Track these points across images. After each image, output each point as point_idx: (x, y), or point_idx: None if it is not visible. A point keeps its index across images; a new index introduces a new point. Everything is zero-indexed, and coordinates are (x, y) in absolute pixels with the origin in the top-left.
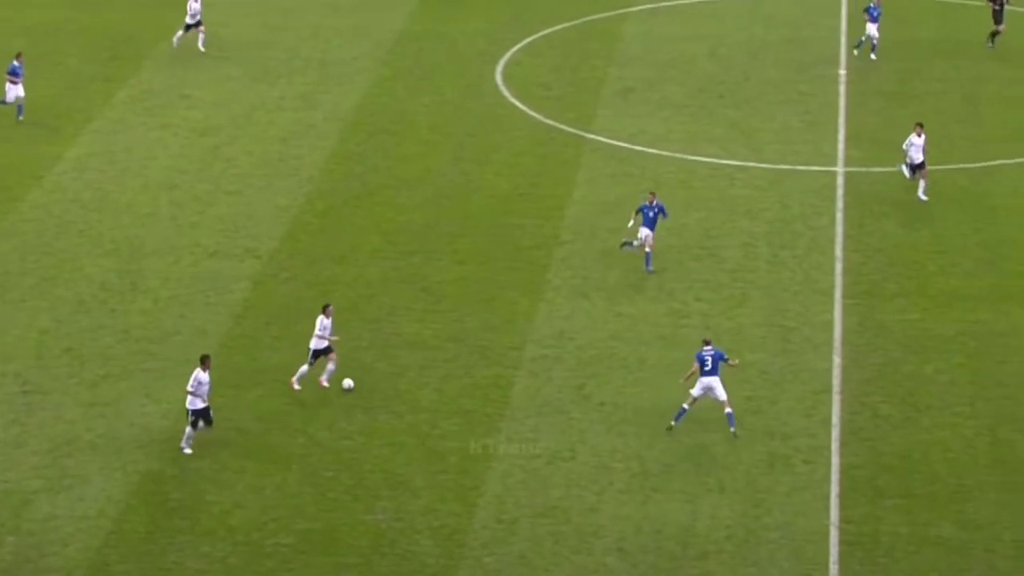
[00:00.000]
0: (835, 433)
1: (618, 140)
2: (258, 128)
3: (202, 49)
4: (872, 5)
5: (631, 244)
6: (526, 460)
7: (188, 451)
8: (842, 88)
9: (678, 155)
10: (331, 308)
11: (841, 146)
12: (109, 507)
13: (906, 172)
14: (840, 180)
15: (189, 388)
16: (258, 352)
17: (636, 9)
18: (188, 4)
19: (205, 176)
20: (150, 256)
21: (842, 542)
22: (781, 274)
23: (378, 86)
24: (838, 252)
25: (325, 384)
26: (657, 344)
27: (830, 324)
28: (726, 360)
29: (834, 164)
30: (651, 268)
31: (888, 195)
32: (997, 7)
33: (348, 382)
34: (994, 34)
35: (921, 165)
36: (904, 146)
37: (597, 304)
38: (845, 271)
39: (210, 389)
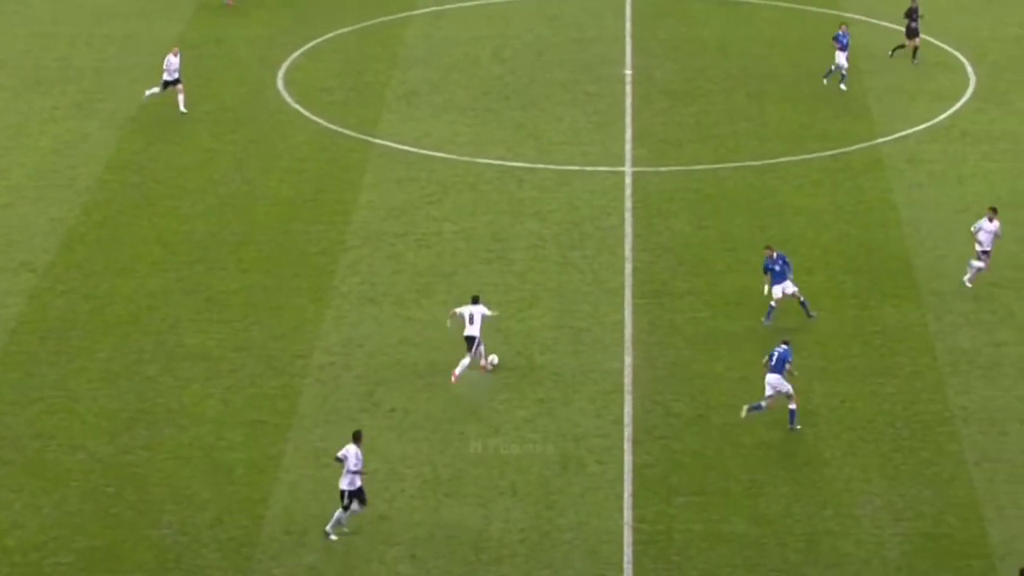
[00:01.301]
0: (627, 432)
1: (404, 144)
2: (30, 139)
3: (184, 111)
4: (840, 32)
5: (768, 315)
6: (315, 470)
7: (334, 537)
8: (628, 88)
9: (465, 158)
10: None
11: (628, 146)
12: None
13: (973, 269)
14: (628, 180)
15: (352, 467)
16: (35, 367)
17: (419, 12)
18: (166, 59)
19: None
20: None
21: (636, 541)
22: (571, 275)
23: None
24: (628, 252)
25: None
26: (447, 348)
27: (621, 324)
28: (789, 363)
29: (622, 164)
30: (769, 322)
31: (676, 194)
32: (913, 23)
33: (494, 358)
34: (914, 49)
35: (987, 253)
36: (973, 229)
37: (386, 309)
38: (635, 271)
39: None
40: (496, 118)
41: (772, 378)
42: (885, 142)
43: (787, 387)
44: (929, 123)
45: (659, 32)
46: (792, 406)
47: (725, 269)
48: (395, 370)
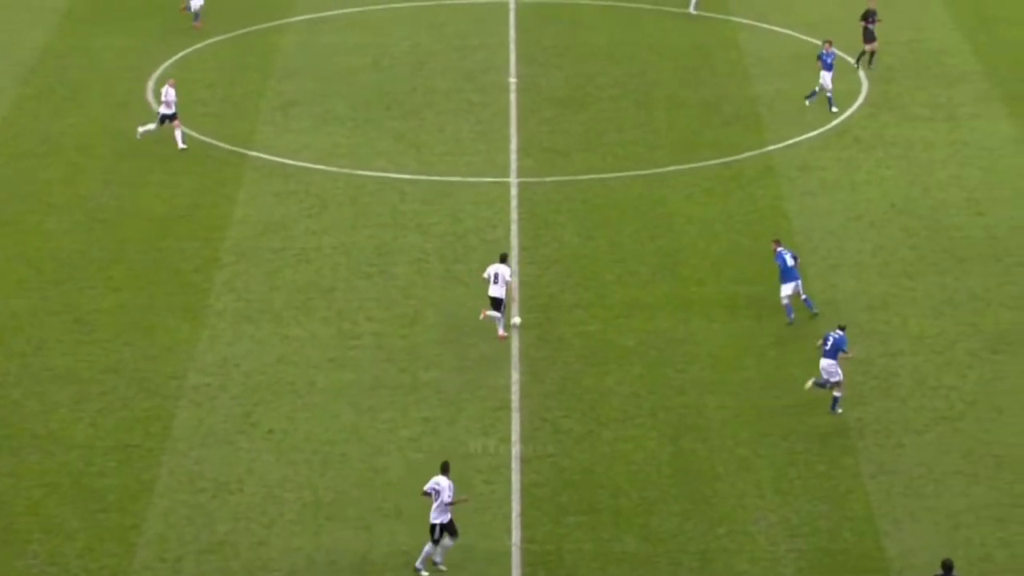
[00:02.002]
0: (515, 451)
1: (281, 156)
2: None
3: (183, 146)
4: (825, 52)
5: (789, 313)
6: (190, 495)
7: (425, 574)
8: (513, 96)
9: (345, 170)
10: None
11: (514, 156)
12: None
13: None
14: (513, 191)
15: (447, 500)
16: None
17: (294, 20)
18: (164, 91)
19: None
20: None
21: (525, 563)
22: (455, 289)
23: (19, 107)
24: (514, 265)
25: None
26: (327, 367)
27: (508, 339)
28: (844, 351)
29: (507, 175)
30: (791, 318)
31: (563, 204)
32: (870, 25)
33: (516, 320)
34: (871, 54)
35: None
36: None
37: (263, 328)
38: (522, 284)
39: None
40: (376, 129)
41: (825, 363)
42: (776, 149)
43: (839, 375)
44: (821, 129)
45: (544, 38)
46: (837, 393)
47: (614, 281)
48: (273, 390)
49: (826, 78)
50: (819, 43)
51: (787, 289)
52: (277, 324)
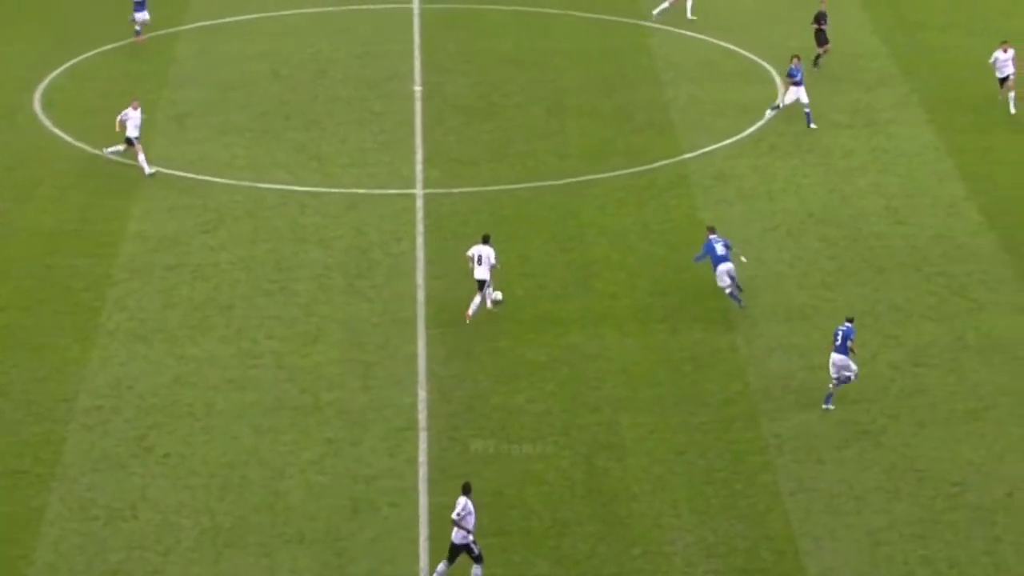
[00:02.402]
0: (422, 472)
1: (176, 169)
2: None
3: (150, 171)
4: (793, 67)
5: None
6: (81, 522)
7: None
8: (418, 105)
9: (243, 183)
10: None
11: (419, 167)
12: None
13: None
14: (419, 203)
15: (454, 516)
16: None
17: (189, 27)
18: (125, 113)
19: None
20: None
21: None
22: (359, 306)
23: None
24: (420, 279)
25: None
26: (226, 388)
27: (414, 356)
28: (851, 340)
29: (412, 186)
30: (741, 304)
31: (471, 217)
32: (823, 27)
33: (497, 294)
34: (818, 56)
35: (1006, 79)
36: (991, 61)
37: (157, 348)
38: (428, 299)
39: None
40: (276, 140)
41: (837, 358)
42: (691, 158)
43: (853, 369)
44: (736, 137)
45: (450, 45)
46: (833, 387)
47: (525, 295)
48: (169, 412)
49: (800, 93)
50: (730, 47)
51: (721, 272)
52: (172, 344)
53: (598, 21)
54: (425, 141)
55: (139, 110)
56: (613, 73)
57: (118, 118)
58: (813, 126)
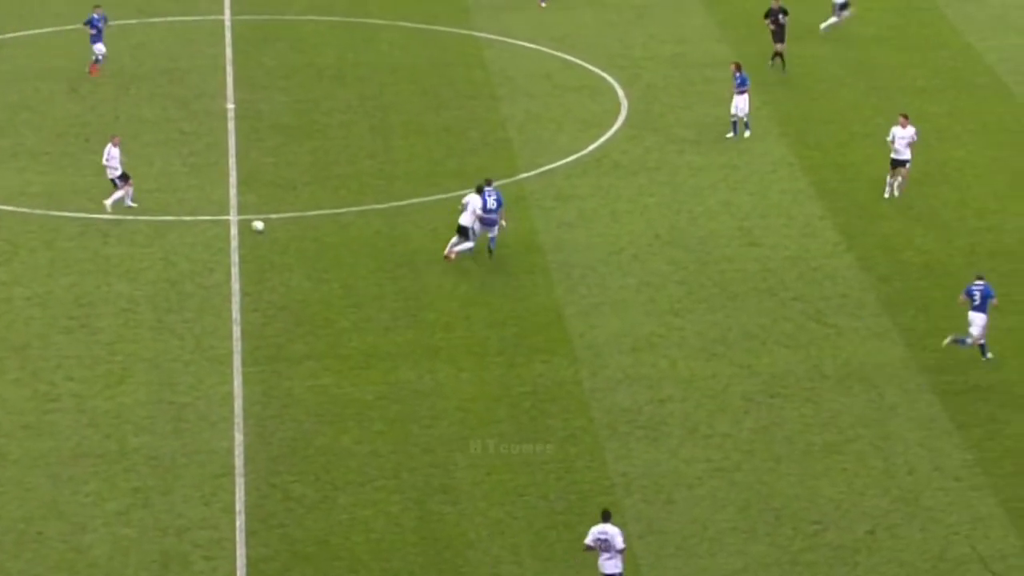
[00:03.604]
0: (239, 522)
1: None
2: None
3: (132, 205)
4: (737, 75)
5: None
6: None
7: None
8: (231, 125)
9: (38, 211)
10: None
11: (233, 191)
12: None
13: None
14: (234, 230)
15: (619, 546)
16: None
17: None
18: (107, 150)
19: None
20: None
21: None
22: (169, 342)
23: None
24: (235, 313)
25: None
26: (20, 434)
27: (229, 396)
28: (992, 298)
29: (226, 212)
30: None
31: (291, 244)
32: (774, 27)
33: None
34: (777, 54)
35: (903, 163)
36: (888, 139)
37: None
38: (244, 335)
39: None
40: (75, 164)
41: (977, 316)
42: (527, 177)
43: (978, 331)
44: (577, 154)
45: (265, 59)
46: (978, 342)
47: (350, 328)
48: None
49: (741, 102)
50: (570, 58)
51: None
52: None
53: (428, 32)
54: (239, 163)
55: (119, 147)
56: (444, 88)
57: None
58: (747, 134)
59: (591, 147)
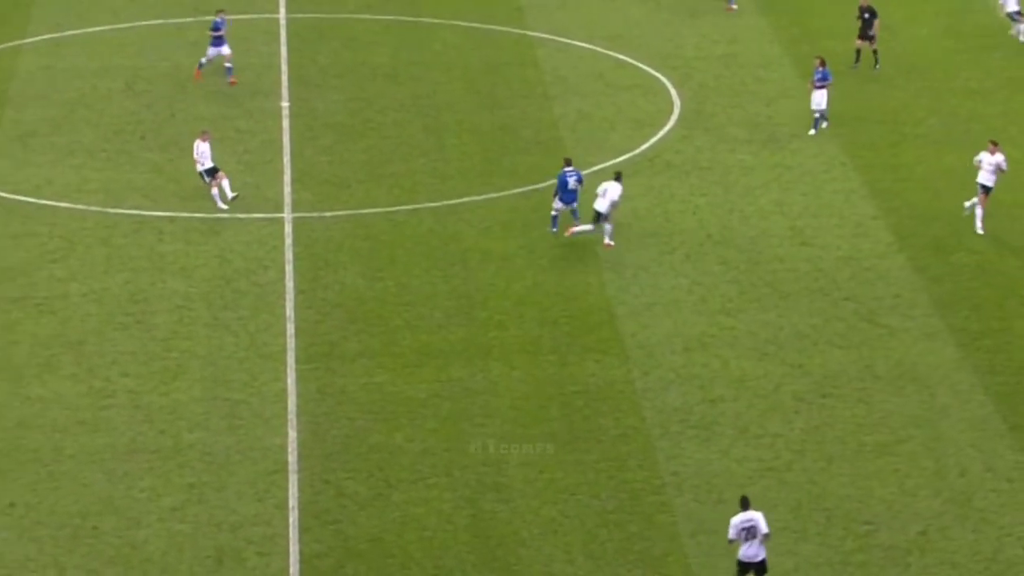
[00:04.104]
0: (293, 518)
1: (20, 194)
2: None
3: (222, 206)
4: (821, 69)
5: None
6: None
7: None
8: (286, 123)
9: (95, 208)
10: None
11: (288, 189)
12: None
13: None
14: (288, 228)
15: (764, 530)
16: None
17: (32, 40)
18: (196, 146)
19: None
20: None
21: None
22: (223, 339)
23: None
24: (289, 311)
25: None
26: (76, 430)
27: (283, 394)
28: None
29: (280, 210)
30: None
31: (345, 242)
32: (866, 20)
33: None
34: (874, 52)
35: (986, 189)
36: (975, 160)
37: (0, 387)
38: (298, 332)
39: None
40: (131, 161)
41: None
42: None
43: None
44: (630, 154)
45: (320, 58)
46: None
47: (404, 326)
48: (13, 458)
49: (821, 96)
50: (623, 58)
51: (558, 204)
52: (16, 383)
53: (481, 31)
54: (294, 161)
55: (207, 142)
56: (497, 87)
57: None
58: (812, 132)
59: (643, 147)
